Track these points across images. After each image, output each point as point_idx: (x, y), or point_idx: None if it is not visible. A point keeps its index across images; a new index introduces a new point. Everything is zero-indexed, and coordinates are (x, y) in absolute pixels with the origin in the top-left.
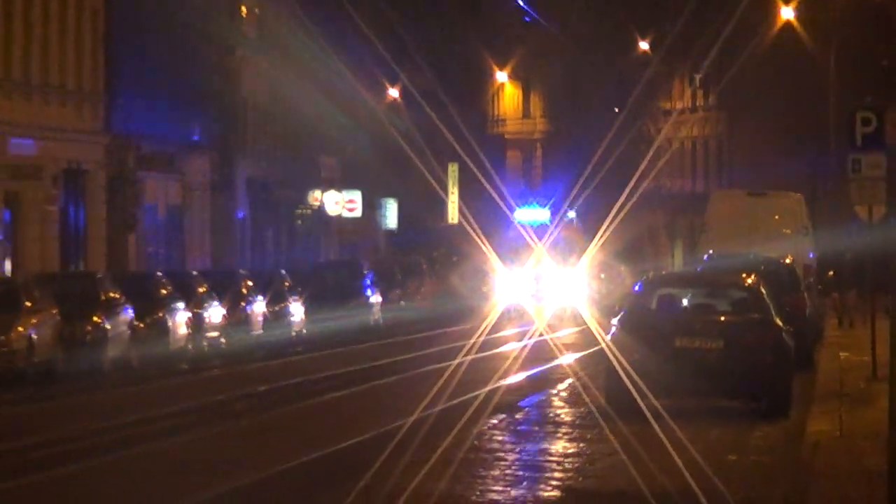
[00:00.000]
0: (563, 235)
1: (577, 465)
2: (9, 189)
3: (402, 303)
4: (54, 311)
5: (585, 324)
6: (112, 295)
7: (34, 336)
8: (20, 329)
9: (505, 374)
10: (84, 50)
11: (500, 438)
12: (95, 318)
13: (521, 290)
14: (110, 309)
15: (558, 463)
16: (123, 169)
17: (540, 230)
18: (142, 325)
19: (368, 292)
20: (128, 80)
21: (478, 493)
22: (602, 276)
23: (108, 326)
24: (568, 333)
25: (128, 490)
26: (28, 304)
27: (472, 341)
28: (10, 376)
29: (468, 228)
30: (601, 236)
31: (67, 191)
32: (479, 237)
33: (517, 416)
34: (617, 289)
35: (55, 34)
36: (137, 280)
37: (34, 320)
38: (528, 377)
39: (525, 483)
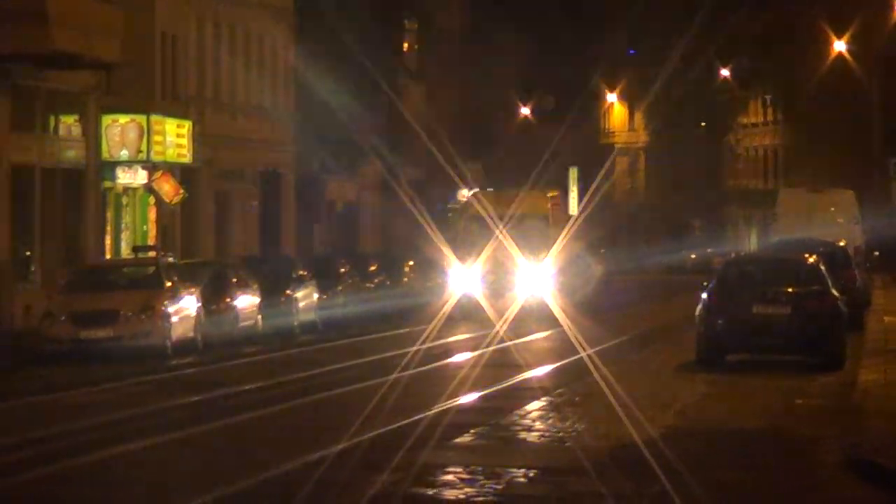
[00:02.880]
0: (535, 212)
1: None
2: (219, 189)
3: None
4: (255, 286)
5: (558, 324)
6: (301, 273)
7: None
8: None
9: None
10: (278, 76)
11: None
12: (287, 292)
13: (473, 283)
14: (300, 283)
15: None
16: (310, 172)
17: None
18: (324, 296)
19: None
20: (313, 100)
21: None
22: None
23: (297, 296)
24: (536, 337)
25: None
26: (234, 280)
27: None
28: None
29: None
30: (575, 220)
31: (265, 190)
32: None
33: None
34: (585, 284)
35: (255, 65)
36: (321, 262)
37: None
38: (484, 398)
39: None
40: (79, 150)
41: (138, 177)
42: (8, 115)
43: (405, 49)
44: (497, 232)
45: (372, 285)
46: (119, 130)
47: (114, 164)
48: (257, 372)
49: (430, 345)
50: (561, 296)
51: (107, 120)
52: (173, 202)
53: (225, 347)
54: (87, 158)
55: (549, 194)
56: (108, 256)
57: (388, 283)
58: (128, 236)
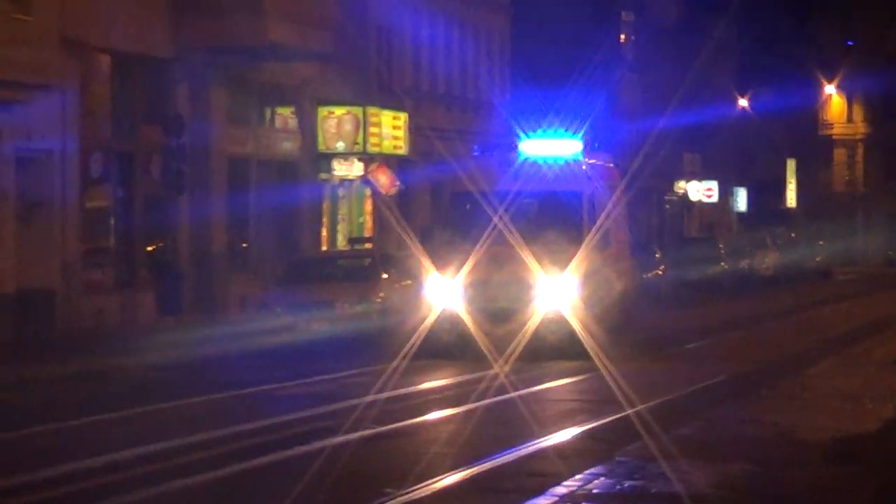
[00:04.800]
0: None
1: None
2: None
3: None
4: None
5: (586, 355)
6: None
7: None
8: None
9: None
10: (494, 69)
11: None
12: None
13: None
14: None
15: None
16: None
17: None
18: None
19: (722, 262)
20: (529, 92)
21: None
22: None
23: None
24: (560, 383)
25: None
26: (385, 275)
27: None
28: None
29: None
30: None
31: None
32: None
33: None
34: (605, 297)
35: (471, 57)
36: None
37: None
38: None
39: None
40: (294, 141)
41: (354, 168)
42: (225, 107)
43: (622, 41)
44: (495, 220)
45: None
46: (335, 122)
47: (329, 156)
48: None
49: (393, 393)
50: (585, 308)
51: (323, 112)
52: (389, 193)
53: None
54: (303, 150)
55: (588, 161)
56: (324, 248)
57: None
58: (344, 228)
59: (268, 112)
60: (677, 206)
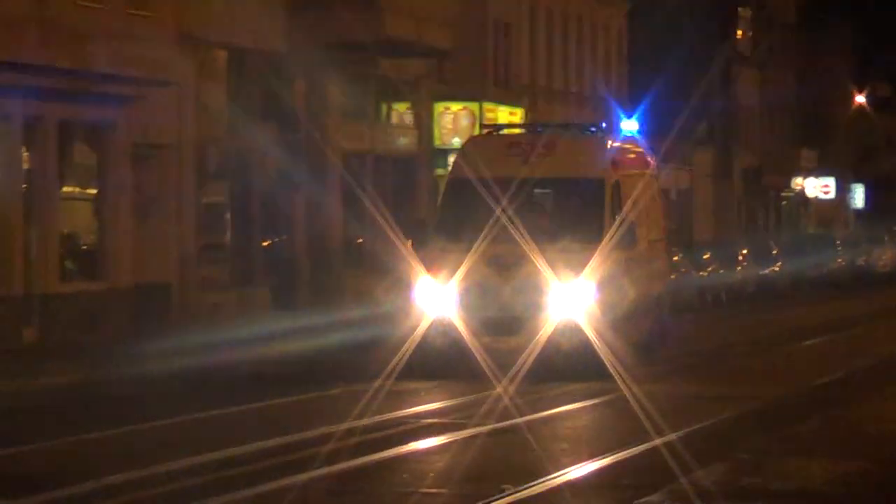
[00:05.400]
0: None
1: None
2: None
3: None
4: None
5: (607, 374)
6: None
7: None
8: None
9: None
10: (611, 64)
11: None
12: None
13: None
14: None
15: None
16: None
17: None
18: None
19: (839, 259)
20: (645, 90)
21: None
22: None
23: None
24: (572, 407)
25: None
26: None
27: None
28: None
29: None
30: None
31: None
32: None
33: None
34: (622, 302)
35: (588, 53)
36: None
37: None
38: None
39: None
40: (411, 137)
41: None
42: (341, 102)
43: (738, 36)
44: (497, 213)
45: (705, 274)
46: (451, 118)
47: (446, 152)
48: None
49: (370, 421)
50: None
51: (439, 108)
52: None
53: None
54: (419, 146)
55: (613, 144)
56: None
57: (721, 270)
58: None
59: (384, 108)
60: (794, 203)
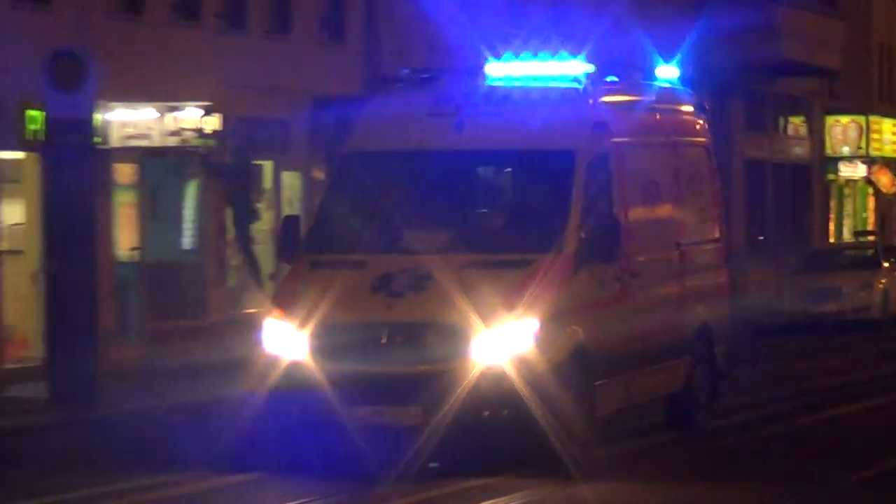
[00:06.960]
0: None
1: None
2: None
3: None
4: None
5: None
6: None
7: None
8: (879, 285)
9: None
10: None
11: None
12: None
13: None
14: None
15: None
16: None
17: None
18: None
19: None
20: None
21: None
22: None
23: None
24: None
25: None
26: (886, 264)
27: None
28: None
29: None
30: None
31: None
32: None
33: None
34: (599, 345)
35: None
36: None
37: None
38: None
39: None
40: (805, 147)
41: (858, 170)
42: (743, 116)
43: None
44: (399, 207)
45: None
46: (840, 129)
47: (836, 160)
48: None
49: None
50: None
51: (830, 120)
52: (890, 192)
53: None
54: (813, 154)
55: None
56: (831, 240)
57: None
58: (849, 223)
59: (781, 121)
60: None
